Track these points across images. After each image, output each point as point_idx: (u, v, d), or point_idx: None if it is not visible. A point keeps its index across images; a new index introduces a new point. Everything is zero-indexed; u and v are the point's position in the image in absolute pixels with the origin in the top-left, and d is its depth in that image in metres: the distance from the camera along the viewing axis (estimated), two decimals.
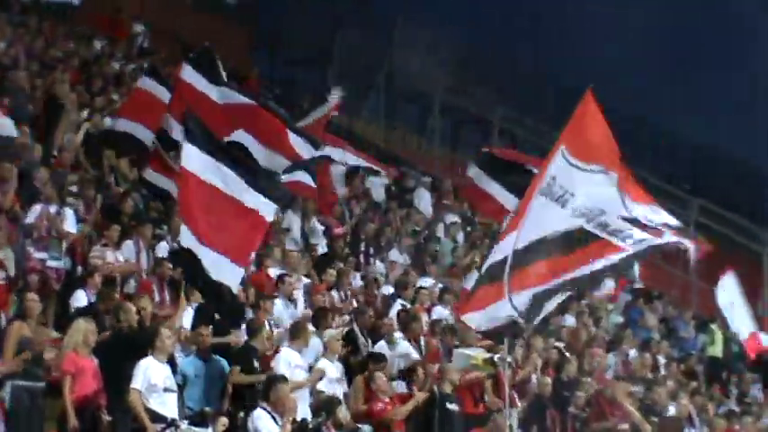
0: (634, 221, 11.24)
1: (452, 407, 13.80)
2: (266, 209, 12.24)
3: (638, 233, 11.10)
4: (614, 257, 11.10)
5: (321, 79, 28.33)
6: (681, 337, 23.65)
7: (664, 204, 11.86)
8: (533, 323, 11.44)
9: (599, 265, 11.14)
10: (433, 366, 14.81)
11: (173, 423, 11.23)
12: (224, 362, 12.92)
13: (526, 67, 31.85)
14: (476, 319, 11.93)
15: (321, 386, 13.51)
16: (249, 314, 14.18)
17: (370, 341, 15.34)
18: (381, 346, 15.03)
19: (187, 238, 11.98)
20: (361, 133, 27.29)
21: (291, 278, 15.68)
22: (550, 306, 11.38)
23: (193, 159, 12.19)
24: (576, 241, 11.30)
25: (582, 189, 11.37)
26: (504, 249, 11.66)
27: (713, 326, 23.74)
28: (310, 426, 10.79)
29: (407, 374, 14.53)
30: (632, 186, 11.49)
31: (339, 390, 13.71)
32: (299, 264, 16.86)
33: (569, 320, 20.96)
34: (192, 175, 12.15)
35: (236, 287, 12.54)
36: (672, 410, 16.24)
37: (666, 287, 26.97)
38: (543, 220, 11.42)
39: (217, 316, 13.57)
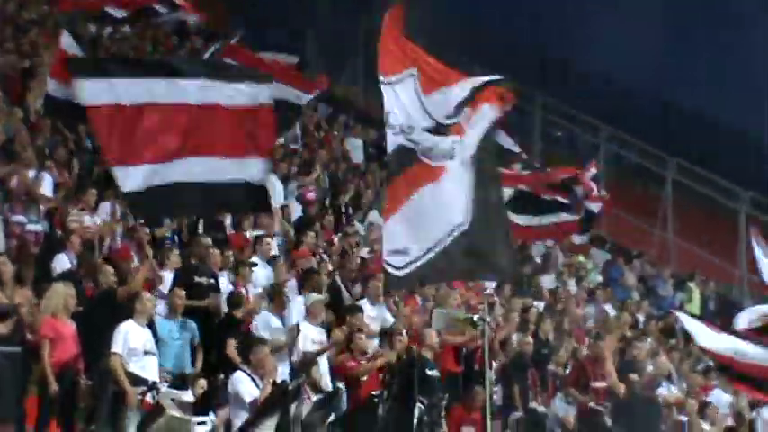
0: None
1: (432, 373, 13.85)
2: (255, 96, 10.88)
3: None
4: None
5: (300, 43, 28.18)
6: (659, 296, 23.80)
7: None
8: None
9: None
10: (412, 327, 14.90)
11: (153, 386, 11.24)
12: (194, 324, 12.91)
13: (499, 28, 31.78)
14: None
15: (306, 347, 13.58)
16: (226, 277, 14.17)
17: (351, 295, 15.44)
18: (363, 304, 15.12)
19: (125, 179, 10.47)
20: (342, 96, 27.23)
21: (269, 239, 15.67)
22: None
23: (107, 90, 10.52)
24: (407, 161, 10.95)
25: (393, 104, 10.95)
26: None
27: (691, 284, 23.93)
28: (290, 387, 10.81)
29: (385, 337, 14.61)
30: (431, 75, 11.14)
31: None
32: (277, 225, 16.87)
33: (548, 280, 21.10)
34: (108, 107, 10.51)
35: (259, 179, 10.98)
36: (650, 368, 16.33)
37: (645, 246, 27.08)
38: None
39: (196, 279, 13.57)
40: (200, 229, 15.84)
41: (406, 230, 10.69)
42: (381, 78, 11.01)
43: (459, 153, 10.97)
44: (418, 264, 10.70)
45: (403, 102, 10.97)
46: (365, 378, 13.37)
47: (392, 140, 10.85)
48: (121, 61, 11.88)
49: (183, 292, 12.95)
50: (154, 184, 10.42)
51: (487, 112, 11.15)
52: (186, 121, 10.60)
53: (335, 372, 13.53)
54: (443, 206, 10.89)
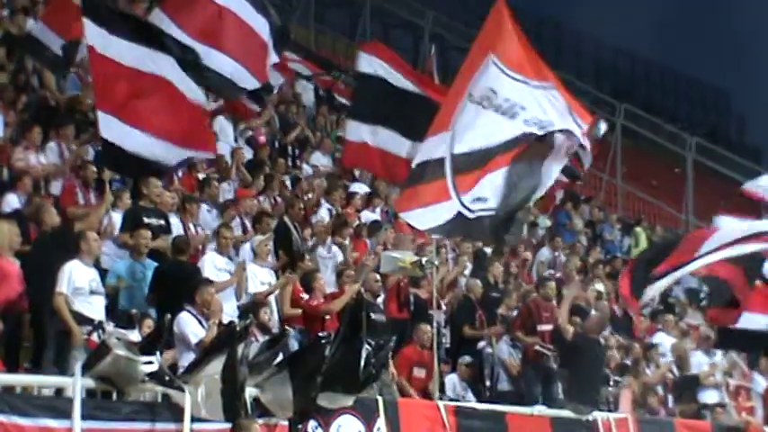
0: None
1: (378, 317, 13.92)
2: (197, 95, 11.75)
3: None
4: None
5: None
6: (606, 240, 24.01)
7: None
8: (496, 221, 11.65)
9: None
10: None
11: (99, 325, 11.20)
12: (154, 264, 12.87)
13: None
14: (417, 217, 12.14)
15: (254, 288, 13.58)
16: (174, 218, 14.11)
17: (300, 235, 15.46)
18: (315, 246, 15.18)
19: (108, 129, 11.26)
20: (292, 38, 26.99)
21: (218, 182, 15.61)
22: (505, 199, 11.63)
23: (112, 45, 11.42)
24: (516, 142, 11.62)
25: (530, 102, 11.79)
26: (438, 149, 11.80)
27: (638, 229, 24.15)
28: (237, 328, 10.79)
29: (337, 277, 14.67)
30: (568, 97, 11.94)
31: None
32: (229, 169, 16.79)
33: None
34: (110, 60, 11.42)
35: (181, 168, 12.14)
36: (596, 312, 16.51)
37: (593, 191, 27.29)
38: (486, 130, 11.64)
39: (145, 220, 13.49)
40: None
41: (494, 185, 11.52)
42: (501, 66, 11.87)
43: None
44: (484, 216, 11.59)
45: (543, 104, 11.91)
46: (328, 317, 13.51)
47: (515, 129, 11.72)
48: (134, 23, 12.27)
49: (149, 233, 12.89)
50: (133, 149, 11.21)
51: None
52: (169, 100, 11.36)
53: (294, 309, 13.63)
54: (517, 184, 11.78)
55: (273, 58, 13.14)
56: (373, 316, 13.58)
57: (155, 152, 11.46)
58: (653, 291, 13.39)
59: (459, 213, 11.73)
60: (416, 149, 12.86)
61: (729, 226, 13.74)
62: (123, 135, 11.23)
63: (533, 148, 11.88)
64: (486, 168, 11.72)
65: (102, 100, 11.37)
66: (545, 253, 20.49)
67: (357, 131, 14.83)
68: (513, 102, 11.79)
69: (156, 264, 12.85)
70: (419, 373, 14.30)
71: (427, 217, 12.00)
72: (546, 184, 12.10)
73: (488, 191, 11.66)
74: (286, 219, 15.45)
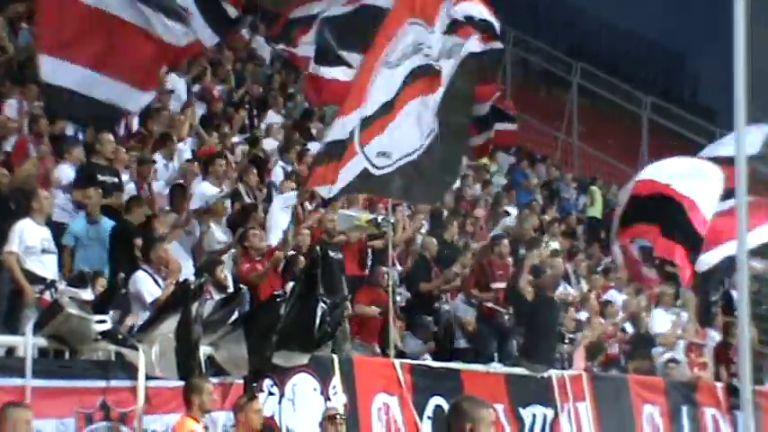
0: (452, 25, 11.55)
1: (336, 255, 13.88)
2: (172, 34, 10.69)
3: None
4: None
5: None
6: (563, 199, 24.10)
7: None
8: (389, 167, 11.41)
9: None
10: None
11: (51, 284, 11.11)
12: (110, 223, 12.76)
13: None
14: (330, 187, 11.76)
15: (210, 246, 13.50)
16: (126, 176, 13.99)
17: (254, 197, 15.39)
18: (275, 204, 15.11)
19: (52, 72, 10.22)
20: None
21: (174, 139, 15.47)
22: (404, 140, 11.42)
23: None
24: (413, 76, 11.35)
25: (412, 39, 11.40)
26: (350, 123, 11.49)
27: (593, 187, 24.26)
28: (192, 286, 10.73)
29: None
30: None
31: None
32: (182, 125, 16.64)
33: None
34: None
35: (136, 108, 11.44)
36: (550, 269, 16.56)
37: (549, 150, 27.37)
38: (393, 81, 11.39)
39: (99, 177, 13.35)
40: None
41: (392, 136, 11.07)
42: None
43: (456, 55, 11.48)
44: (388, 171, 11.11)
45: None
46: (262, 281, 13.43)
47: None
48: None
49: (99, 192, 12.76)
50: (77, 89, 10.24)
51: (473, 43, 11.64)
52: (119, 36, 10.44)
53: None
54: (418, 124, 11.30)
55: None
56: (331, 254, 13.58)
57: (108, 94, 10.43)
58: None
59: (366, 169, 11.24)
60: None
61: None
62: (70, 75, 10.21)
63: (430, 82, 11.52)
64: (389, 117, 11.25)
65: (48, 40, 10.32)
66: (499, 211, 20.54)
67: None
68: (402, 50, 11.32)
69: (112, 222, 12.73)
70: (375, 310, 14.33)
71: (338, 185, 11.64)
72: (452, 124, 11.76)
73: (390, 143, 11.29)
74: (240, 186, 15.36)
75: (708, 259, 13.80)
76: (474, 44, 11.82)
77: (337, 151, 11.19)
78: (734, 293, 18.93)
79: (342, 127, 11.21)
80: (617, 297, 18.11)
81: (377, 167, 11.13)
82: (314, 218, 14.97)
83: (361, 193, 15.15)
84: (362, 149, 11.06)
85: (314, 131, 19.59)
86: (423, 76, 11.35)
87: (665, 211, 13.09)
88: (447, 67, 11.59)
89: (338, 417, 11.18)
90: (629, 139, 29.00)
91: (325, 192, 11.64)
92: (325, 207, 15.66)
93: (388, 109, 11.26)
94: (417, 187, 11.80)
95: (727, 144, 13.95)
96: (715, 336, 18.28)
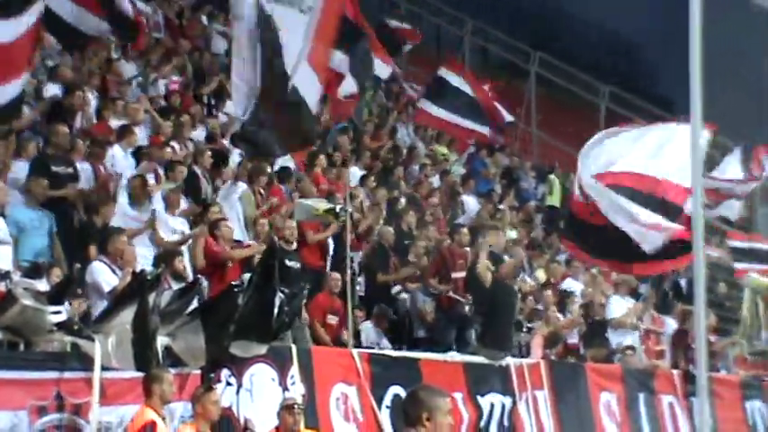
0: None
1: (292, 263, 13.88)
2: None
3: None
4: None
5: None
6: (522, 188, 24.18)
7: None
8: None
9: None
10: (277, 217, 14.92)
11: (6, 275, 11.00)
12: (51, 214, 12.64)
13: None
14: None
15: (167, 237, 13.44)
16: (85, 165, 13.89)
17: (210, 185, 15.31)
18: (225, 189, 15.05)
19: None
20: None
21: (134, 129, 15.39)
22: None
23: None
24: None
25: None
26: None
27: (552, 176, 24.35)
28: (149, 277, 10.68)
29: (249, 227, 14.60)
30: None
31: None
32: (140, 115, 16.53)
33: (412, 171, 21.25)
34: None
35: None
36: (507, 257, 16.64)
37: (508, 139, 27.41)
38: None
39: (53, 168, 13.25)
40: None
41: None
42: None
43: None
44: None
45: None
46: (231, 264, 13.40)
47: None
48: None
49: (45, 182, 12.65)
50: None
51: None
52: None
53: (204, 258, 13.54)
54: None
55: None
56: (288, 263, 13.57)
57: None
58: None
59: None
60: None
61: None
62: None
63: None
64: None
65: None
66: (458, 200, 20.59)
67: None
68: None
69: (52, 213, 12.63)
70: (332, 320, 14.36)
71: None
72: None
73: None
74: (195, 168, 15.31)
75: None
76: None
77: None
78: (682, 282, 19.13)
79: None
80: (574, 285, 18.20)
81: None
82: (270, 202, 15.01)
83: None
84: None
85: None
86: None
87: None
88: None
89: (296, 407, 11.17)
90: (588, 129, 29.01)
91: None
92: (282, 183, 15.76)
93: None
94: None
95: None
96: (672, 323, 18.43)
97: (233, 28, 12.42)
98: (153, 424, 9.48)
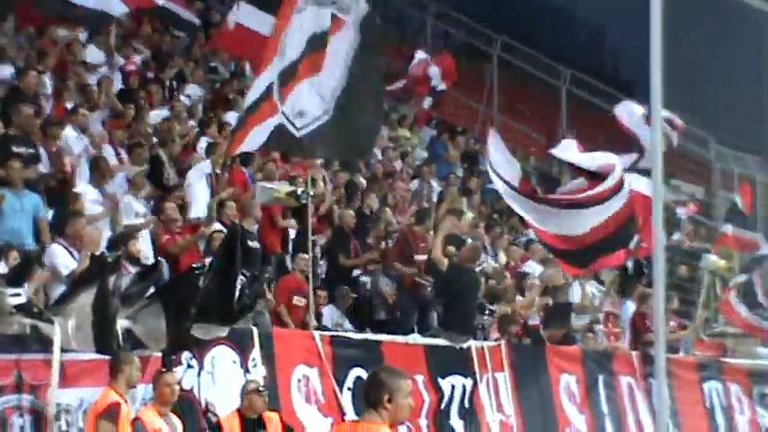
0: None
1: (254, 244, 13.84)
2: None
3: None
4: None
5: None
6: (482, 171, 24.19)
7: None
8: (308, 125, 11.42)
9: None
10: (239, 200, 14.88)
11: None
12: (36, 197, 12.55)
13: None
14: (247, 143, 11.84)
15: (128, 220, 13.37)
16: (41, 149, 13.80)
17: (174, 170, 15.25)
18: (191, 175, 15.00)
19: None
20: None
21: (85, 110, 15.27)
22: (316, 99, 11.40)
23: None
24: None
25: None
26: (267, 78, 11.50)
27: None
28: (108, 259, 10.62)
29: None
30: None
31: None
32: (99, 97, 16.41)
33: (376, 155, 21.25)
34: None
35: None
36: (470, 240, 16.70)
37: (469, 123, 27.49)
38: (307, 25, 11.38)
39: (14, 149, 13.13)
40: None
41: (309, 94, 11.06)
42: None
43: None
44: (308, 130, 10.94)
45: None
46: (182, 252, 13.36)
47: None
48: None
49: (18, 163, 12.53)
50: None
51: None
52: None
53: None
54: (320, 85, 11.44)
55: None
56: (249, 243, 13.53)
57: None
58: None
59: (283, 125, 11.35)
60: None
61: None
62: None
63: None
64: (298, 76, 11.37)
65: None
66: (419, 184, 20.62)
67: None
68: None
69: (36, 195, 12.54)
70: (298, 301, 14.33)
71: (254, 137, 11.67)
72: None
73: (304, 101, 11.35)
74: (161, 152, 15.23)
75: None
76: None
77: (253, 109, 11.19)
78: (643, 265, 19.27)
79: (257, 87, 11.19)
80: (535, 268, 18.28)
81: (296, 128, 11.11)
82: (229, 190, 14.97)
83: (279, 151, 15.17)
84: (282, 106, 11.05)
85: (230, 97, 19.50)
86: (321, 42, 11.39)
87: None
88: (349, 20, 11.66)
89: (261, 389, 11.17)
90: (549, 112, 29.24)
91: (245, 146, 11.68)
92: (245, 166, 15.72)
93: (297, 68, 11.25)
94: (339, 145, 11.81)
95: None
96: (631, 306, 18.57)
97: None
98: (117, 405, 9.46)
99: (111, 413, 9.37)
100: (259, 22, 16.81)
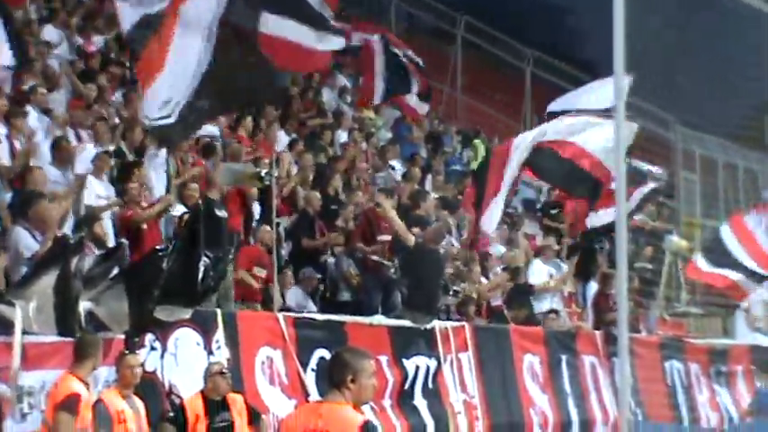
0: None
1: (221, 213, 13.78)
2: None
3: None
4: None
5: None
6: (446, 152, 24.25)
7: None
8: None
9: None
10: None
11: None
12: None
13: None
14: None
15: (92, 201, 13.29)
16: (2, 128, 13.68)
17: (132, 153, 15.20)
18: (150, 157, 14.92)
19: None
20: None
21: (45, 90, 15.14)
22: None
23: None
24: None
25: None
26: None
27: (477, 140, 24.48)
28: (71, 241, 10.56)
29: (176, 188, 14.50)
30: None
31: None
32: (60, 78, 16.29)
33: (343, 137, 21.23)
34: None
35: None
36: (435, 222, 16.72)
37: (433, 103, 27.43)
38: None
39: None
40: None
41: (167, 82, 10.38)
42: None
43: None
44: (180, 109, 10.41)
45: None
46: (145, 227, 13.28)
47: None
48: None
49: None
50: None
51: None
52: None
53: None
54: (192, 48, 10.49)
55: None
56: (216, 212, 13.46)
57: None
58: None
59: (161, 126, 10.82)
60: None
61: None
62: None
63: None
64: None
65: None
66: (383, 164, 20.60)
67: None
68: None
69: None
70: (259, 272, 14.31)
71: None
72: None
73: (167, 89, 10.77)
74: (122, 144, 15.14)
75: (604, 217, 14.22)
76: None
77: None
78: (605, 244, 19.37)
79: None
80: (498, 248, 18.35)
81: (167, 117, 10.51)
82: (193, 171, 14.89)
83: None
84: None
85: None
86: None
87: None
88: None
89: (223, 371, 11.15)
90: (513, 93, 29.30)
91: None
92: (206, 159, 15.58)
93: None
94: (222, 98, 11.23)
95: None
96: (593, 286, 18.67)
97: None
98: (77, 396, 9.33)
99: (71, 405, 9.24)
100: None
